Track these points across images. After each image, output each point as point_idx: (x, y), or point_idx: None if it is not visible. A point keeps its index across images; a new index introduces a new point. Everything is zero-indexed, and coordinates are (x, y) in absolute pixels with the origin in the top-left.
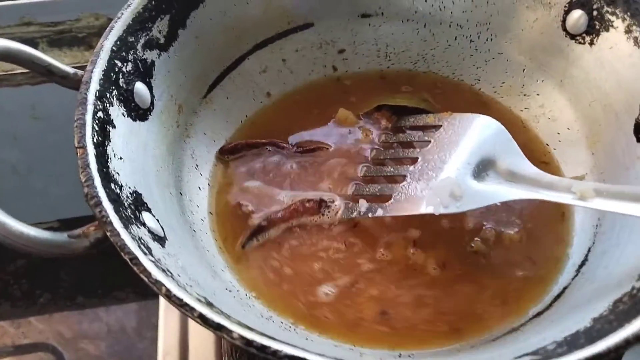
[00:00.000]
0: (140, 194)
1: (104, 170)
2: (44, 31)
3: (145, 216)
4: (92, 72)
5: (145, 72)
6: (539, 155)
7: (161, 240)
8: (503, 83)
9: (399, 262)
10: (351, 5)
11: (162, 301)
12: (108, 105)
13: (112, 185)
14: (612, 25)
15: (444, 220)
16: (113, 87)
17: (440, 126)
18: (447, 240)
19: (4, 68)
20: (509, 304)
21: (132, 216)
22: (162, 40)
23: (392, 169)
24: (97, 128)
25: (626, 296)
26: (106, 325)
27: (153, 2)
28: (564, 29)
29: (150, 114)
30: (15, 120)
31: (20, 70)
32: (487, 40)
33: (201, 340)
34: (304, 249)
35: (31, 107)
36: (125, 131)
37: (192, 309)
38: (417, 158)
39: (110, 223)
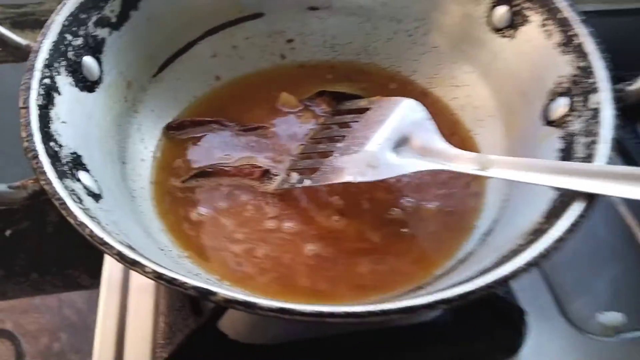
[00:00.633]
0: (80, 156)
1: (45, 129)
2: (8, 12)
3: (82, 175)
4: (42, 42)
5: (95, 48)
6: (463, 140)
7: (95, 196)
8: (436, 74)
9: (323, 227)
10: None
11: (104, 281)
12: (55, 74)
13: (51, 144)
14: (530, 20)
15: (369, 194)
16: (62, 58)
17: (370, 108)
18: (369, 210)
19: None
20: (418, 269)
21: (69, 172)
22: (113, 19)
23: (324, 146)
24: (42, 92)
25: (510, 251)
26: (58, 302)
27: None
28: (490, 24)
29: (97, 87)
30: None
31: None
32: (423, 34)
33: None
34: (238, 211)
35: None
36: (70, 99)
37: (112, 247)
38: (345, 136)
39: (44, 173)
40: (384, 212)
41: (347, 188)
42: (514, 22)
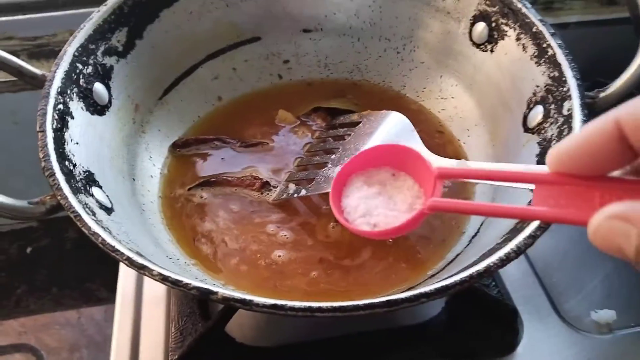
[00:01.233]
0: (93, 173)
1: (60, 150)
2: (25, 44)
3: (95, 190)
4: (55, 72)
5: (104, 75)
6: (452, 149)
7: (108, 210)
8: (424, 88)
9: (321, 234)
10: (293, 22)
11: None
12: (68, 99)
13: (66, 163)
14: (507, 35)
15: None
16: (74, 85)
17: (361, 122)
18: None
19: None
20: (412, 270)
21: (82, 188)
22: (120, 49)
23: (319, 158)
24: (56, 117)
25: (489, 250)
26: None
27: (112, 16)
28: (471, 39)
29: (107, 110)
30: None
31: (2, 79)
32: (410, 51)
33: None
34: (240, 222)
35: (12, 113)
36: (82, 122)
37: (122, 254)
38: (339, 148)
39: (61, 189)
40: None
41: None
42: (492, 37)
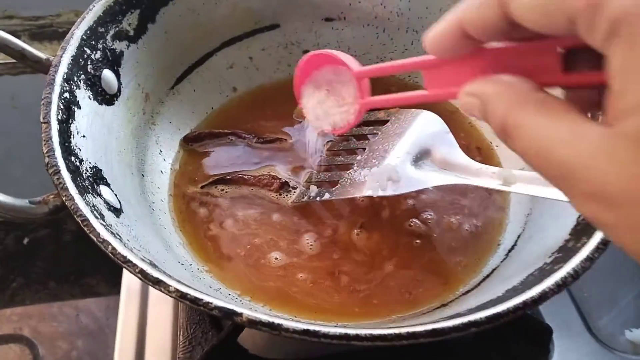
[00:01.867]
0: (100, 170)
1: (66, 144)
2: (26, 24)
3: (103, 189)
4: (61, 56)
5: (113, 61)
6: (484, 152)
7: (116, 211)
8: None
9: (344, 241)
10: (315, 9)
11: (123, 291)
12: (75, 87)
13: (72, 158)
14: None
15: (389, 206)
16: (81, 72)
17: (389, 120)
18: (389, 224)
19: None
20: (442, 285)
21: (90, 187)
22: (131, 33)
23: (342, 159)
24: (62, 107)
25: (537, 270)
26: (75, 310)
27: None
28: None
29: (116, 100)
30: None
31: (0, 60)
32: None
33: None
34: (257, 225)
35: (11, 98)
36: (90, 112)
37: (135, 265)
38: (365, 148)
39: (67, 189)
40: (404, 225)
41: (367, 201)
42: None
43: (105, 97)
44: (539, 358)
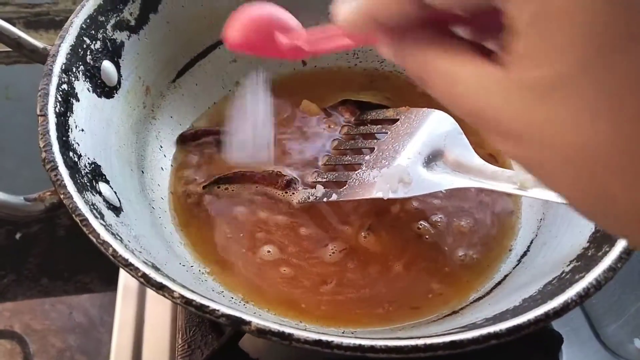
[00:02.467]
0: (99, 166)
1: (64, 138)
2: (21, 12)
3: (102, 186)
4: (59, 46)
5: (113, 52)
6: (493, 152)
7: (116, 209)
8: None
9: (351, 244)
10: (321, 3)
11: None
12: (73, 79)
13: (70, 154)
14: None
15: (398, 209)
16: (80, 63)
17: (398, 119)
18: (397, 227)
19: None
20: (452, 291)
21: (88, 184)
22: (132, 22)
23: (350, 158)
24: (60, 99)
25: (555, 279)
26: (68, 308)
27: None
28: None
29: (116, 93)
30: None
31: None
32: None
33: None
34: (260, 224)
35: (4, 87)
36: (89, 105)
37: (137, 269)
38: (374, 148)
39: (65, 186)
40: (413, 228)
41: (375, 201)
42: None
43: (105, 90)
44: None
